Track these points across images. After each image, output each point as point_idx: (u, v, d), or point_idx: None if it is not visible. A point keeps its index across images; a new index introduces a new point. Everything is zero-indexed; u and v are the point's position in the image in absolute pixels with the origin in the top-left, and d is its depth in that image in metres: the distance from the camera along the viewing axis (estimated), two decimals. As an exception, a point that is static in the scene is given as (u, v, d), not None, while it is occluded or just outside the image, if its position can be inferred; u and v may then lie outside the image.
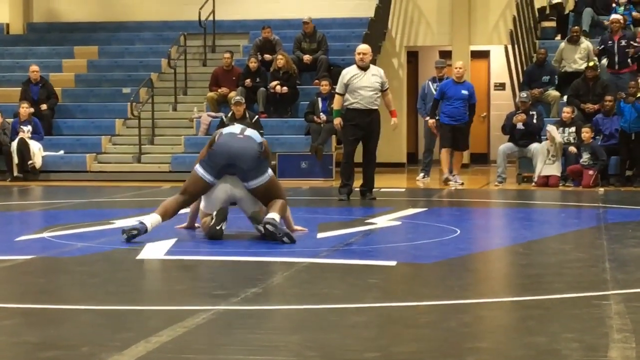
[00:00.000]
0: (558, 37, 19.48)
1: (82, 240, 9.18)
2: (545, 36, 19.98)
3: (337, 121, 13.17)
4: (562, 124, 16.36)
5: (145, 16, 21.97)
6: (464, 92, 15.97)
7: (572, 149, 15.90)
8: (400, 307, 6.23)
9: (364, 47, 13.25)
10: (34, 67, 18.97)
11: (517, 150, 16.41)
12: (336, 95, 13.26)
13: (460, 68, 16.23)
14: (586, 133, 15.86)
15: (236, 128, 9.50)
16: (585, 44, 17.95)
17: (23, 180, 17.24)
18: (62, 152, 18.16)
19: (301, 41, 19.03)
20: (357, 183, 13.59)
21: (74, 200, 13.92)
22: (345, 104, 13.02)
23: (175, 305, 6.25)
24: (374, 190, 13.46)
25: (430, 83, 16.99)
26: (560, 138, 15.92)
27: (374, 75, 12.98)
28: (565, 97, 17.31)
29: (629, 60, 17.39)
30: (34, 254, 8.33)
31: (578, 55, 17.82)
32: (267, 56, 18.87)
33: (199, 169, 9.35)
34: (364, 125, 12.93)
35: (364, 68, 12.97)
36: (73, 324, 5.79)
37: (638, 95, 16.00)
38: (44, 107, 18.64)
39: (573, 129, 16.23)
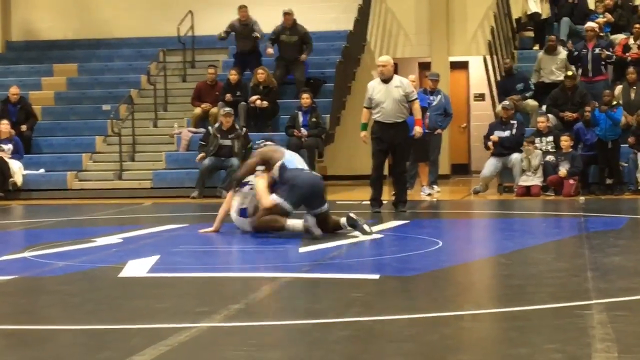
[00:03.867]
0: (536, 47, 19.58)
1: (64, 259, 9.14)
2: (523, 46, 20.07)
3: (363, 134, 13.19)
4: (538, 134, 16.43)
5: (124, 33, 21.95)
6: None
7: (550, 157, 15.95)
8: (384, 320, 6.23)
9: (382, 59, 13.16)
10: (14, 90, 18.86)
11: (500, 166, 16.44)
12: (363, 109, 13.22)
13: (413, 81, 16.36)
14: (565, 142, 15.93)
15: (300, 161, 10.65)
16: (563, 54, 18.03)
17: (4, 200, 17.15)
18: (42, 170, 18.09)
19: (281, 33, 18.85)
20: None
21: (55, 218, 13.87)
22: (373, 116, 12.99)
23: (157, 324, 6.23)
24: (406, 202, 13.36)
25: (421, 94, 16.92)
26: (537, 161, 15.98)
27: (397, 87, 12.83)
28: (544, 107, 17.37)
29: (602, 68, 17.47)
30: (15, 274, 8.29)
31: (555, 66, 17.89)
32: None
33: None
34: (387, 138, 12.86)
35: (386, 80, 12.85)
36: (54, 345, 5.76)
37: (613, 104, 16.08)
38: (23, 127, 18.56)
39: (550, 138, 16.30)
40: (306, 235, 10.23)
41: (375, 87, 12.94)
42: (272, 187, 10.61)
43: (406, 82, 13.12)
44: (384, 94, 12.80)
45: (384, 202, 13.62)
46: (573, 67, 17.65)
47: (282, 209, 10.40)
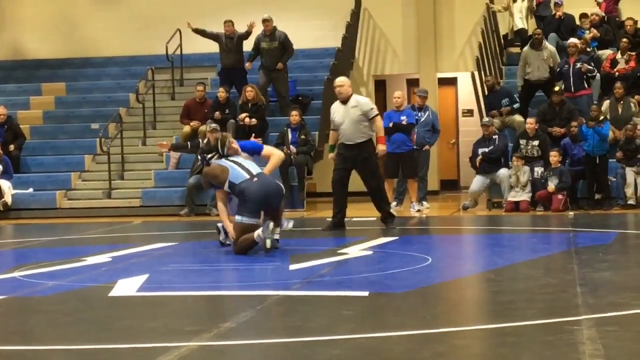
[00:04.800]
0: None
1: (54, 278, 9.14)
2: (511, 62, 20.13)
3: (331, 156, 13.20)
4: (525, 136, 16.51)
5: (112, 51, 21.97)
6: (402, 117, 16.17)
7: (538, 171, 16.02)
8: (374, 338, 6.24)
9: (338, 80, 13.05)
10: (1, 110, 18.84)
11: (488, 182, 16.49)
12: (330, 131, 13.18)
13: (398, 97, 16.45)
14: (554, 157, 15.98)
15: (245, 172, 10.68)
16: (549, 49, 18.07)
17: (-8, 219, 17.14)
18: (31, 189, 18.07)
19: (261, 41, 18.83)
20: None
21: (45, 238, 13.85)
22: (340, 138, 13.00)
23: (148, 343, 6.23)
24: (390, 218, 13.31)
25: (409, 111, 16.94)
26: (525, 177, 16.04)
27: (354, 108, 12.73)
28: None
29: (584, 83, 17.55)
30: (4, 294, 8.28)
31: (541, 62, 17.92)
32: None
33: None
34: (350, 157, 12.78)
35: (344, 102, 12.78)
36: (45, 365, 5.76)
37: (600, 119, 16.15)
38: (11, 147, 18.54)
39: (537, 142, 16.38)
40: (295, 253, 10.24)
41: (335, 109, 12.87)
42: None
43: (363, 101, 12.96)
44: (343, 115, 12.71)
45: (353, 219, 13.60)
46: (561, 83, 17.73)
47: (247, 225, 10.47)
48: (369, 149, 12.96)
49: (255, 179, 10.68)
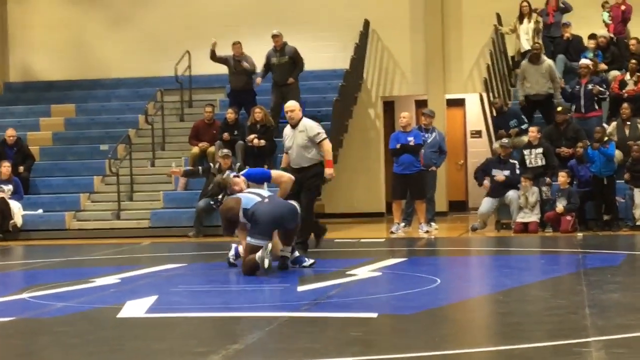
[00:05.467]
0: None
1: (62, 300, 9.15)
2: (518, 83, 20.16)
3: None
4: (529, 146, 16.53)
5: (121, 73, 22.05)
6: (409, 138, 16.19)
7: (546, 192, 16.02)
8: (383, 359, 6.23)
9: (288, 105, 12.80)
10: (11, 132, 18.91)
11: (497, 203, 16.48)
12: (284, 154, 13.02)
13: (404, 118, 16.47)
14: (562, 177, 15.97)
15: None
16: (547, 63, 18.08)
17: (3, 240, 17.16)
18: (40, 210, 18.11)
19: (271, 57, 18.79)
20: (342, 234, 13.54)
21: (54, 259, 13.87)
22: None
23: (156, 365, 6.23)
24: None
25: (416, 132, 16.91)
26: (534, 198, 16.05)
27: (301, 132, 12.52)
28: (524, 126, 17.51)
29: (595, 104, 17.56)
30: (13, 315, 8.29)
31: (539, 75, 17.92)
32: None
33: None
34: (298, 180, 12.21)
35: (294, 126, 12.59)
36: (54, 387, 5.76)
37: (605, 140, 16.16)
38: (21, 169, 18.60)
39: (540, 150, 16.42)
40: (304, 274, 10.25)
41: (286, 133, 12.75)
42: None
43: (310, 125, 12.64)
44: (291, 140, 12.57)
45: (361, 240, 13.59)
46: (564, 101, 17.75)
47: (254, 246, 10.47)
48: (315, 172, 12.64)
49: (266, 200, 10.70)
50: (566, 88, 17.87)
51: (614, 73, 18.60)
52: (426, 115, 17.23)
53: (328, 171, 12.73)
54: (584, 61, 18.02)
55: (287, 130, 12.74)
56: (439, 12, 21.23)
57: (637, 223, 15.93)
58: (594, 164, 16.04)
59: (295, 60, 18.59)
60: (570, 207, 15.74)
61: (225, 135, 18.30)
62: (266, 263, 10.29)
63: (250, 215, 10.58)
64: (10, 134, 18.89)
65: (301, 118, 12.66)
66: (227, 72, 19.22)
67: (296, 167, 12.49)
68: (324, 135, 12.68)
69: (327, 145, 12.69)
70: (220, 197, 11.23)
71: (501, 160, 16.60)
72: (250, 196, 10.78)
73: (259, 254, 10.33)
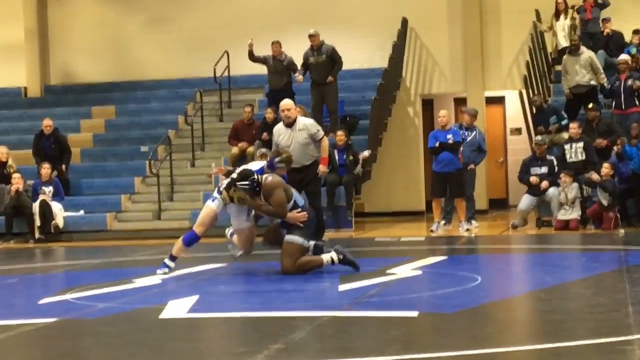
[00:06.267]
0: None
1: (104, 300, 9.21)
2: (558, 80, 20.02)
3: None
4: (570, 141, 16.45)
5: (160, 74, 22.18)
6: (449, 136, 16.15)
7: (595, 176, 15.86)
8: (423, 358, 6.22)
9: (285, 104, 12.79)
10: (47, 122, 18.97)
11: (536, 200, 16.40)
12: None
13: (443, 117, 16.43)
14: (605, 169, 15.83)
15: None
16: (587, 54, 17.96)
17: (45, 242, 17.30)
18: (82, 212, 18.24)
19: (309, 56, 18.73)
20: (373, 233, 13.55)
21: (95, 260, 13.96)
22: None
23: (198, 365, 6.26)
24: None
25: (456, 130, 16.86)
26: (574, 194, 15.94)
27: (301, 131, 12.53)
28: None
29: (635, 100, 17.42)
30: (56, 316, 8.36)
31: (579, 66, 17.80)
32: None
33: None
34: (298, 180, 12.37)
35: (290, 125, 12.57)
36: (97, 387, 5.80)
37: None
38: (63, 169, 18.73)
39: (581, 144, 16.34)
40: (344, 273, 10.26)
41: (280, 132, 12.66)
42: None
43: (310, 123, 12.74)
44: (289, 139, 12.51)
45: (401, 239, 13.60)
46: (610, 100, 17.63)
47: (305, 247, 10.60)
48: (315, 170, 12.80)
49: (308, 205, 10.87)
50: (605, 84, 17.75)
51: (656, 68, 18.46)
52: (468, 113, 17.17)
53: (323, 168, 12.93)
54: (623, 56, 17.90)
55: (281, 129, 12.66)
56: (477, 9, 21.15)
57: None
58: (633, 161, 15.93)
59: (334, 59, 18.53)
60: (612, 202, 15.59)
61: (265, 135, 18.31)
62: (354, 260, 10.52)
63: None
64: (47, 123, 18.93)
65: (296, 117, 12.72)
66: (266, 72, 19.24)
67: (296, 167, 12.39)
68: (323, 132, 12.91)
69: (326, 142, 12.91)
70: (225, 183, 11.24)
71: (537, 157, 16.52)
72: (299, 196, 10.85)
73: (328, 259, 10.41)
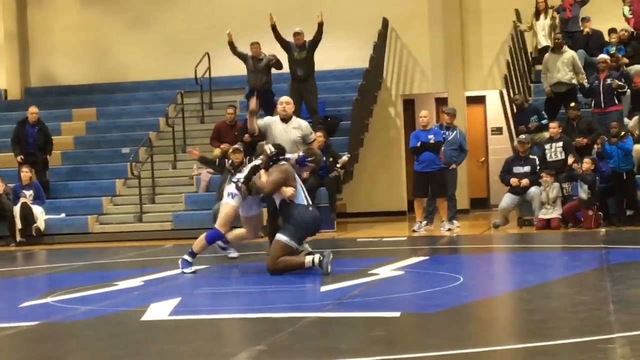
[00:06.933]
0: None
1: (86, 303, 9.19)
2: (538, 80, 20.08)
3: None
4: (550, 140, 16.51)
5: (141, 76, 22.13)
6: (430, 136, 16.19)
7: (567, 185, 15.97)
8: (406, 358, 6.24)
9: (285, 98, 12.89)
10: (33, 109, 18.89)
11: (517, 199, 16.44)
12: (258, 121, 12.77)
13: (424, 117, 16.47)
14: (586, 164, 15.86)
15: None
16: (569, 53, 18.04)
17: (26, 245, 17.25)
18: (63, 214, 18.18)
19: (294, 50, 18.58)
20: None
21: (77, 263, 13.93)
22: None
23: (181, 367, 6.25)
24: None
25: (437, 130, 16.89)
26: (555, 193, 15.99)
27: (295, 129, 12.51)
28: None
29: (615, 99, 17.49)
30: (38, 319, 8.34)
31: (561, 64, 17.86)
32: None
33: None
34: None
35: (286, 120, 12.55)
36: (80, 390, 5.79)
37: (621, 135, 16.10)
38: (47, 157, 18.69)
39: (561, 143, 16.40)
40: (331, 275, 10.26)
41: (275, 123, 12.57)
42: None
43: (305, 124, 12.75)
44: (282, 133, 12.47)
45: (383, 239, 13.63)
46: (590, 99, 17.71)
47: (292, 248, 10.58)
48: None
49: (311, 208, 10.86)
50: (584, 84, 17.82)
51: (636, 67, 18.53)
52: (448, 113, 17.22)
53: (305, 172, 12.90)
54: (602, 56, 17.98)
55: (277, 121, 12.64)
56: (457, 9, 21.20)
57: (660, 217, 15.86)
58: (612, 159, 16.00)
59: (314, 44, 18.32)
60: (591, 197, 15.63)
61: (247, 136, 18.27)
62: (329, 269, 10.42)
63: (293, 212, 10.63)
64: (33, 111, 18.81)
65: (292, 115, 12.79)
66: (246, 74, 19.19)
67: None
68: (314, 136, 13.03)
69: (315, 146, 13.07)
70: (241, 177, 11.26)
71: (520, 156, 16.57)
72: (301, 192, 10.85)
73: (323, 260, 10.41)
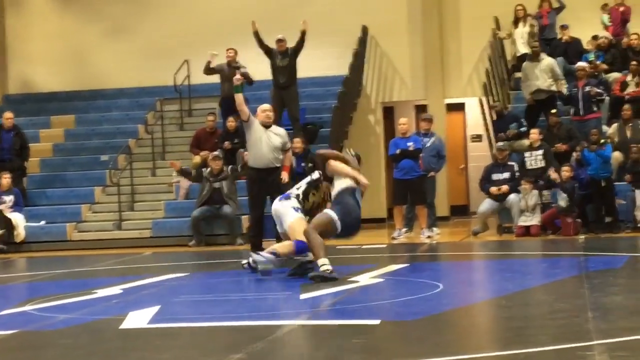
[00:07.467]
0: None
1: (65, 312, 9.14)
2: (517, 87, 20.15)
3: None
4: (529, 148, 16.56)
5: (120, 83, 22.09)
6: (409, 143, 16.23)
7: (547, 192, 16.04)
8: (386, 367, 6.23)
9: (268, 105, 13.23)
10: (8, 114, 18.83)
11: (496, 205, 16.49)
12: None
13: (403, 124, 16.52)
14: (566, 172, 15.94)
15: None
16: (547, 60, 18.12)
17: (6, 253, 17.16)
18: (43, 222, 18.11)
19: (276, 57, 18.62)
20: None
21: (56, 270, 13.87)
22: (248, 162, 13.11)
23: (160, 375, 6.22)
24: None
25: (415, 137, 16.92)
26: (534, 201, 16.03)
27: (277, 135, 12.89)
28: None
29: (593, 106, 17.57)
30: (16, 328, 8.29)
31: (539, 72, 17.94)
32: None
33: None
34: (266, 184, 12.80)
35: (267, 126, 12.87)
36: (58, 399, 5.76)
37: (601, 142, 16.18)
38: (25, 166, 18.62)
39: (540, 151, 16.46)
40: (306, 282, 10.24)
41: (257, 128, 12.79)
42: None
43: (283, 132, 13.14)
44: (263, 139, 12.76)
45: (363, 246, 13.62)
46: (569, 107, 17.78)
47: (333, 227, 10.63)
48: (278, 176, 13.07)
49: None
50: (564, 91, 17.89)
51: (615, 75, 18.62)
52: (425, 120, 17.27)
53: (285, 175, 13.23)
54: (580, 64, 18.07)
55: (258, 126, 12.75)
56: (436, 17, 21.26)
57: (639, 225, 15.92)
58: (591, 167, 16.07)
59: (297, 50, 18.36)
60: (570, 205, 15.69)
61: (227, 143, 18.30)
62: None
63: (346, 201, 10.77)
64: (8, 116, 18.76)
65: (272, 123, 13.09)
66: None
67: (264, 168, 12.81)
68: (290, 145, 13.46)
69: (291, 153, 13.58)
70: (299, 192, 11.27)
71: (499, 164, 16.62)
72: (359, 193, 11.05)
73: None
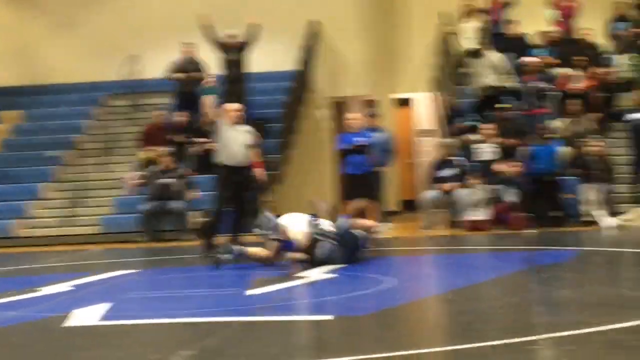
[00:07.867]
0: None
1: (11, 309, 9.05)
2: (467, 82, 20.24)
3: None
4: (478, 142, 16.73)
5: (68, 78, 21.86)
6: (358, 139, 16.28)
7: (503, 167, 16.16)
8: (337, 362, 6.24)
9: (237, 105, 13.43)
10: None
11: (444, 196, 16.57)
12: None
13: (352, 119, 16.58)
14: (515, 167, 16.05)
15: None
16: (494, 55, 18.25)
17: (-51, 250, 16.96)
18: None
19: (228, 53, 18.60)
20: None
21: (1, 268, 13.70)
22: (217, 159, 13.05)
23: (110, 373, 6.19)
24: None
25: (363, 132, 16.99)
26: (482, 195, 16.15)
27: (247, 132, 13.03)
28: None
29: (540, 101, 17.71)
30: (-38, 326, 8.20)
31: (483, 68, 18.09)
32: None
33: None
34: (238, 182, 12.86)
35: (236, 124, 13.01)
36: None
37: (548, 136, 16.32)
38: None
39: (489, 145, 16.68)
40: (257, 277, 10.24)
41: (226, 128, 12.93)
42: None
43: (251, 129, 13.27)
44: (234, 137, 12.85)
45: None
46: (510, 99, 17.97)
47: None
48: (251, 174, 13.17)
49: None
50: (511, 86, 18.02)
51: (562, 70, 18.77)
52: (370, 114, 17.30)
53: (260, 171, 13.34)
54: (526, 59, 18.21)
55: (226, 125, 12.86)
56: (386, 13, 21.30)
57: (585, 219, 16.07)
58: (539, 161, 16.20)
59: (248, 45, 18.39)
60: (519, 200, 15.82)
61: (176, 138, 18.21)
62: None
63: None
64: None
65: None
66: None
67: (236, 166, 12.81)
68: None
69: (258, 150, 13.52)
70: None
71: (444, 159, 16.70)
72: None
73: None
